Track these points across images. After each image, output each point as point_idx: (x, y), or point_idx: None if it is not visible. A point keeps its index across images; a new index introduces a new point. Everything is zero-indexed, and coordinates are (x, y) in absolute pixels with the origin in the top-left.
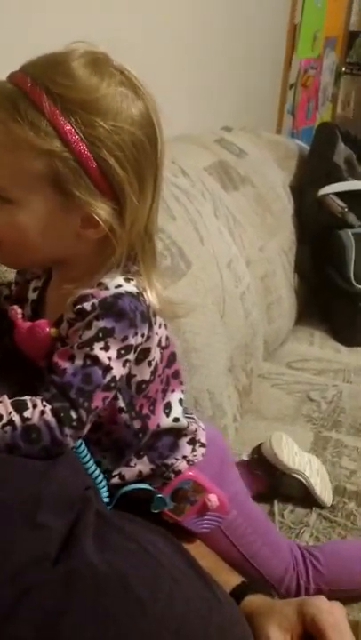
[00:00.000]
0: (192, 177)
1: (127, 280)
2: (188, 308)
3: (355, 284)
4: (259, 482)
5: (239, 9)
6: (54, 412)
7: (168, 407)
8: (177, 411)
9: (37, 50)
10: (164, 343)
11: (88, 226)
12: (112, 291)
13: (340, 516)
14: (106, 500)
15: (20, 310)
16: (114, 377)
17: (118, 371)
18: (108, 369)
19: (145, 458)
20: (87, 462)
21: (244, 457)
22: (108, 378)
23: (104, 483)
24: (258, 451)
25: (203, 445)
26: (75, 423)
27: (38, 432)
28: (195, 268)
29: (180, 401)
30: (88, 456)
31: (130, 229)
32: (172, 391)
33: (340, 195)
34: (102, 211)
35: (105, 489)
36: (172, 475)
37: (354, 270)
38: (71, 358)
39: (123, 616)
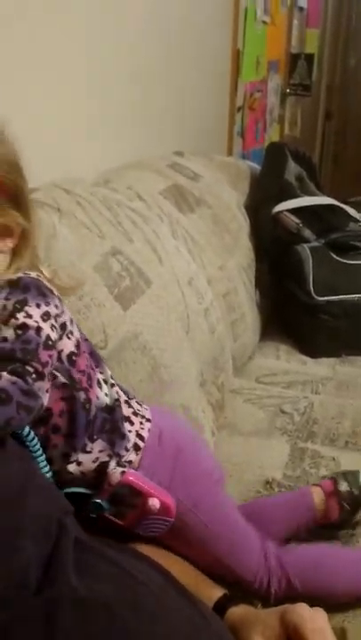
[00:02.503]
0: (148, 201)
1: (25, 274)
2: (77, 282)
3: (315, 296)
4: (336, 513)
5: (183, 37)
6: (11, 372)
7: (99, 383)
8: (105, 388)
9: None
10: (74, 322)
11: (5, 235)
12: (13, 276)
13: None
14: None
15: None
16: (48, 335)
17: (49, 330)
18: (39, 329)
19: (99, 440)
20: (38, 454)
21: (342, 487)
22: (44, 336)
23: (50, 477)
24: (356, 484)
25: (148, 420)
26: (34, 375)
27: (5, 391)
28: (155, 287)
29: (104, 382)
30: (38, 446)
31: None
32: (97, 372)
33: (293, 211)
34: (16, 216)
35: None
36: (125, 465)
37: (313, 283)
38: (3, 339)
39: None
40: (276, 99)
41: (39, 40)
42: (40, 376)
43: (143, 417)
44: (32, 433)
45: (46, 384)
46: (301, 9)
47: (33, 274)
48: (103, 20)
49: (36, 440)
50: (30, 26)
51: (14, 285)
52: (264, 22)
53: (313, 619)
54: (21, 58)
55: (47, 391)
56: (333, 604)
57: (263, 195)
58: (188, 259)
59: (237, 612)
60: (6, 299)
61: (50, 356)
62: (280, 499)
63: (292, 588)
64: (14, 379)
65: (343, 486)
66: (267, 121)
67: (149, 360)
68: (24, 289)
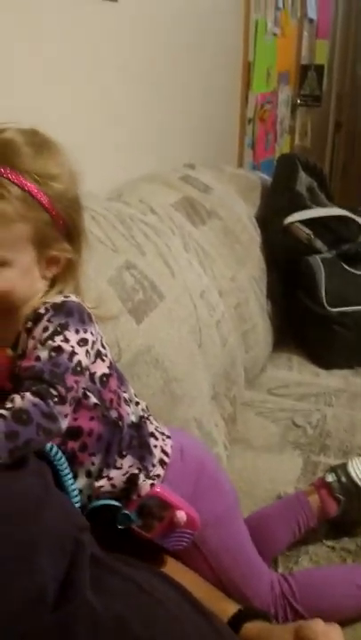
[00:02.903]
0: (160, 214)
1: (65, 296)
2: (113, 312)
3: (327, 307)
4: (333, 507)
5: (194, 50)
6: (34, 394)
7: (125, 401)
8: (131, 406)
9: None
10: (105, 343)
11: (52, 264)
12: (58, 299)
13: (338, 542)
14: None
15: None
16: (79, 361)
17: (82, 357)
18: (72, 354)
19: (128, 457)
20: (66, 474)
21: (330, 479)
22: (75, 361)
23: (78, 498)
24: (345, 473)
25: (169, 437)
26: (56, 398)
27: (27, 412)
28: (168, 300)
29: (129, 400)
30: (66, 466)
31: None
32: (122, 390)
33: (304, 222)
34: (66, 250)
35: (78, 504)
36: (154, 478)
37: (325, 294)
38: (37, 358)
39: None
40: (287, 110)
41: (52, 55)
42: (62, 400)
43: (163, 433)
44: (57, 450)
45: (67, 409)
46: (311, 20)
47: (76, 298)
48: (115, 34)
49: (62, 457)
50: (41, 44)
51: (59, 309)
52: (274, 34)
53: (327, 634)
54: (35, 74)
55: (66, 416)
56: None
57: (274, 206)
58: (200, 271)
59: (252, 627)
60: (49, 320)
61: (76, 382)
62: (276, 510)
63: (298, 614)
64: (36, 400)
65: (330, 478)
66: (277, 132)
67: (162, 374)
68: (67, 313)
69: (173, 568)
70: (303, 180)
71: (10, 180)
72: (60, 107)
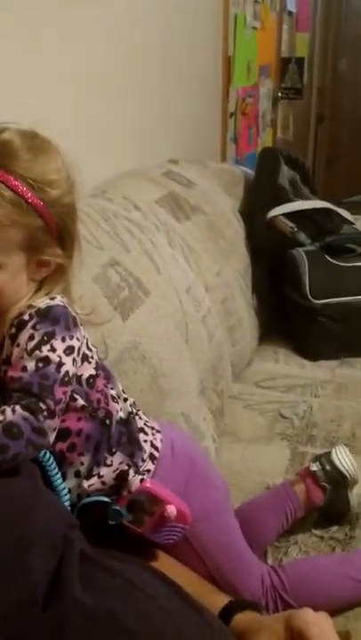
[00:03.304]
0: (144, 210)
1: (52, 299)
2: (102, 318)
3: (312, 299)
4: (319, 495)
5: (173, 45)
6: (24, 408)
7: (113, 398)
8: (119, 402)
9: None
10: (90, 345)
11: (42, 266)
12: (43, 304)
13: (327, 531)
14: None
15: None
16: (67, 372)
17: (69, 366)
18: (60, 364)
19: (118, 453)
20: (54, 475)
21: (314, 467)
22: (63, 372)
23: (68, 497)
24: (329, 461)
25: (159, 431)
26: (45, 413)
27: (17, 426)
28: (153, 297)
29: (117, 396)
30: (55, 467)
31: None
32: (108, 387)
33: (288, 215)
34: (57, 255)
35: (68, 503)
36: (144, 474)
37: (310, 286)
38: (23, 368)
39: None
40: (268, 103)
41: (37, 53)
42: (51, 415)
43: (152, 428)
44: (46, 451)
45: (56, 422)
46: (291, 13)
47: (62, 300)
48: (91, 31)
49: (51, 459)
50: (30, 38)
51: (43, 315)
52: (254, 28)
53: (317, 623)
54: (20, 68)
55: (55, 429)
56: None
57: (257, 200)
58: (185, 267)
59: (243, 618)
60: (34, 328)
61: (64, 393)
62: (264, 501)
63: (288, 605)
64: (27, 414)
65: (314, 467)
66: (259, 125)
67: (149, 370)
68: (53, 321)
69: (164, 562)
70: (285, 174)
71: (5, 184)
72: (38, 103)
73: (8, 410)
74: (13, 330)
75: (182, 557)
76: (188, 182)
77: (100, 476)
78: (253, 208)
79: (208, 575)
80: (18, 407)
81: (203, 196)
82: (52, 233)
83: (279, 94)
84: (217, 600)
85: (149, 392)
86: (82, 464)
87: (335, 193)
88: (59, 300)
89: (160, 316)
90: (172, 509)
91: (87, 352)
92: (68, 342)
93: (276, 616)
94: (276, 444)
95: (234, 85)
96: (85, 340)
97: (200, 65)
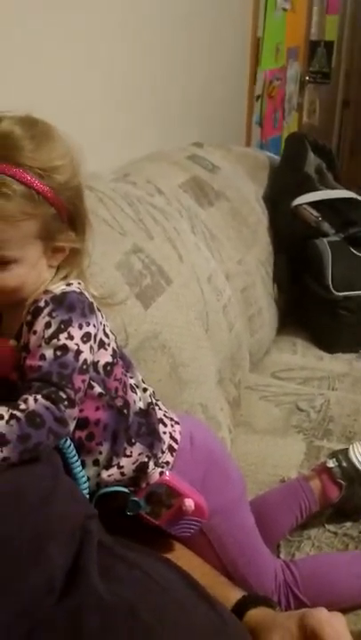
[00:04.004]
0: (168, 195)
1: (68, 284)
2: (118, 299)
3: (333, 291)
4: (335, 492)
5: (201, 26)
6: (45, 397)
7: (132, 388)
8: (138, 392)
9: None
10: (109, 331)
11: (57, 252)
12: (59, 290)
13: (341, 527)
14: None
15: None
16: (85, 360)
17: (87, 354)
18: (78, 352)
19: (137, 444)
20: (74, 462)
21: (330, 464)
22: (81, 360)
23: (87, 485)
24: (346, 458)
25: (178, 423)
26: (66, 402)
27: (40, 416)
28: (175, 285)
29: (135, 386)
30: (74, 454)
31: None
32: (128, 377)
33: (313, 204)
34: (71, 239)
35: (87, 491)
36: (163, 466)
37: (332, 278)
38: (42, 356)
39: None
40: (295, 87)
41: (58, 32)
42: (72, 404)
43: (172, 419)
44: (69, 441)
45: (76, 411)
46: None
47: (78, 286)
48: (121, 12)
49: (71, 445)
50: (52, 17)
51: (59, 302)
52: (284, 9)
53: (331, 622)
54: (42, 51)
55: (75, 418)
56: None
57: (282, 187)
58: (208, 255)
59: (256, 614)
60: (50, 315)
61: (83, 381)
62: (278, 495)
63: (300, 602)
64: (48, 404)
65: (331, 463)
66: (285, 109)
67: (168, 359)
68: (69, 308)
69: (180, 554)
70: (312, 161)
71: (13, 178)
72: (63, 85)
73: (30, 399)
74: (29, 317)
75: (197, 549)
76: (213, 167)
77: (119, 467)
78: (278, 195)
79: (222, 568)
80: (39, 396)
81: (227, 181)
82: (63, 219)
83: (307, 78)
84: (231, 594)
85: (168, 382)
86: (100, 453)
87: (358, 180)
88: (75, 285)
89: (181, 305)
90: (190, 503)
91: (104, 339)
92: (85, 329)
93: (289, 613)
94: (291, 437)
95: (261, 67)
96: (102, 327)
97: (228, 46)
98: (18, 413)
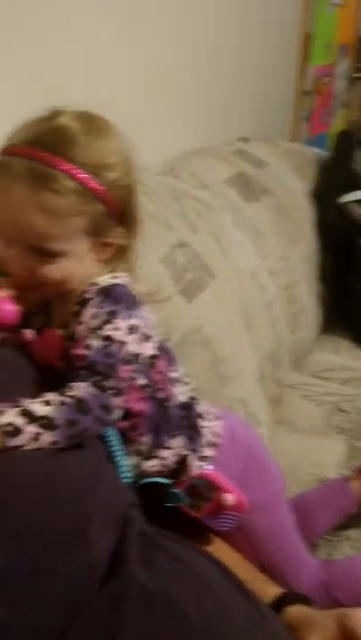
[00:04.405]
0: (213, 189)
1: (114, 277)
2: (164, 296)
3: None
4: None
5: (251, 21)
6: (92, 385)
7: (174, 382)
8: (180, 386)
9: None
10: (153, 325)
11: (106, 247)
12: (105, 282)
13: None
14: None
15: (29, 331)
16: (129, 351)
17: (132, 345)
18: (122, 343)
19: (178, 437)
20: (116, 450)
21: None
22: (126, 351)
23: (129, 474)
24: None
25: (219, 418)
26: (112, 390)
27: (87, 402)
28: (218, 280)
29: (177, 380)
30: (117, 443)
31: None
32: (171, 370)
33: (360, 202)
34: (120, 236)
35: (129, 480)
36: (204, 460)
37: None
38: (88, 346)
39: (171, 637)
40: (344, 83)
41: (106, 27)
42: (117, 393)
43: (212, 414)
44: (111, 431)
45: (121, 400)
46: None
47: (124, 278)
48: (167, 5)
49: (116, 436)
50: (100, 13)
51: (106, 294)
52: (335, 4)
53: None
54: (83, 48)
55: (119, 408)
56: None
57: (329, 184)
58: (251, 251)
59: (294, 611)
60: (97, 306)
61: (128, 372)
62: (317, 494)
63: (336, 602)
64: (95, 391)
65: None
66: (333, 106)
67: (209, 354)
68: (115, 300)
69: (218, 547)
70: (360, 159)
71: (66, 173)
72: (111, 79)
73: (78, 386)
74: (77, 307)
75: (234, 543)
76: (259, 162)
77: (160, 458)
78: (325, 192)
79: (259, 564)
80: (86, 384)
81: (273, 176)
82: (113, 216)
83: (355, 75)
84: (269, 590)
85: (208, 377)
86: (142, 444)
87: None
88: (121, 279)
89: (224, 300)
90: (229, 498)
91: (148, 332)
92: (131, 321)
93: (328, 612)
94: (332, 437)
95: (311, 63)
96: (147, 320)
97: (276, 41)
98: (66, 399)
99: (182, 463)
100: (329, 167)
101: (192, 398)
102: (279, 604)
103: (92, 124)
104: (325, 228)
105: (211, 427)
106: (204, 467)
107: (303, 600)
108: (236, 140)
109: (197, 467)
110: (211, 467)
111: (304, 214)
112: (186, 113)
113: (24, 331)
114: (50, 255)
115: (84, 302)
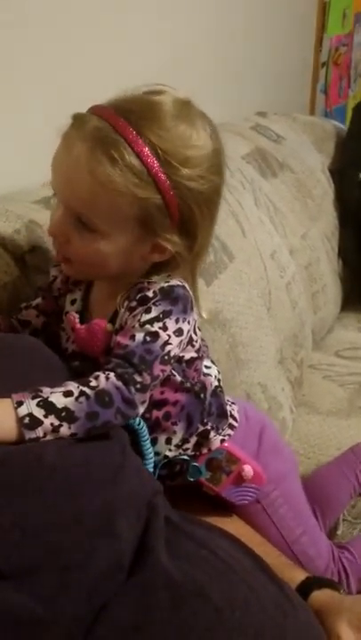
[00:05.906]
0: (231, 167)
1: (170, 278)
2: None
3: None
4: None
5: None
6: (118, 376)
7: (206, 369)
8: (212, 371)
9: None
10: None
11: (156, 251)
12: (166, 282)
13: None
14: None
15: (76, 315)
16: (170, 352)
17: (174, 347)
18: (166, 342)
19: (209, 423)
20: (145, 440)
21: None
22: (166, 350)
23: (152, 460)
24: None
25: (233, 403)
26: (139, 385)
27: (109, 395)
28: (238, 262)
29: (208, 367)
30: (146, 433)
31: (195, 255)
32: (203, 359)
33: None
34: (174, 242)
35: (152, 464)
36: (224, 437)
37: None
38: (132, 337)
39: (201, 628)
40: None
41: (121, 11)
42: (143, 389)
43: (229, 399)
44: (141, 421)
45: (147, 396)
46: None
47: (177, 281)
48: None
49: (143, 424)
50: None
51: (166, 293)
52: None
53: None
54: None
55: (144, 402)
56: None
57: (349, 158)
58: (271, 230)
59: (321, 596)
60: (154, 303)
61: (162, 371)
62: (332, 466)
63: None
64: (119, 384)
65: None
66: (351, 77)
67: (228, 338)
68: (173, 301)
69: (241, 532)
70: None
71: (131, 146)
72: (125, 54)
73: (102, 376)
74: (134, 303)
75: (255, 521)
76: (277, 137)
77: (187, 442)
78: (345, 167)
79: (280, 540)
80: (112, 375)
81: (292, 152)
82: (172, 216)
83: None
84: (295, 575)
85: (226, 361)
86: (174, 432)
87: None
88: (177, 280)
89: (243, 282)
90: (249, 469)
91: (193, 336)
92: (180, 324)
93: (356, 597)
94: (356, 419)
95: (328, 33)
96: (195, 324)
97: (292, 11)
98: (87, 390)
99: (204, 437)
100: (349, 141)
101: (219, 382)
102: (306, 589)
103: (184, 110)
104: (346, 203)
105: (230, 410)
106: (224, 440)
107: (330, 585)
108: (254, 114)
109: (218, 440)
110: (230, 441)
111: (324, 190)
112: (200, 86)
113: (71, 314)
114: (89, 230)
115: (143, 300)
